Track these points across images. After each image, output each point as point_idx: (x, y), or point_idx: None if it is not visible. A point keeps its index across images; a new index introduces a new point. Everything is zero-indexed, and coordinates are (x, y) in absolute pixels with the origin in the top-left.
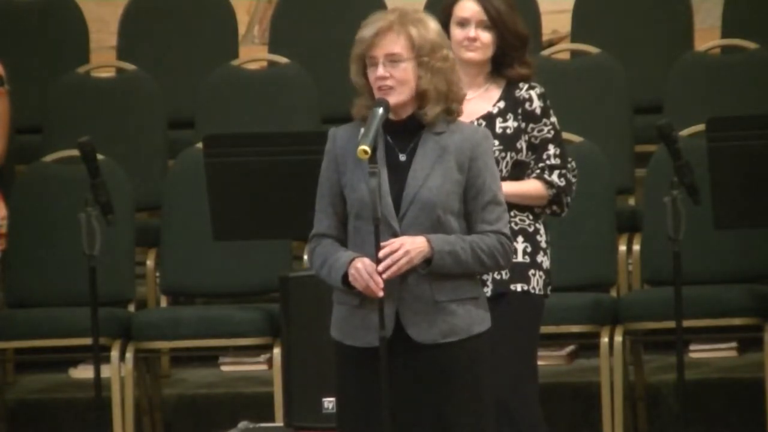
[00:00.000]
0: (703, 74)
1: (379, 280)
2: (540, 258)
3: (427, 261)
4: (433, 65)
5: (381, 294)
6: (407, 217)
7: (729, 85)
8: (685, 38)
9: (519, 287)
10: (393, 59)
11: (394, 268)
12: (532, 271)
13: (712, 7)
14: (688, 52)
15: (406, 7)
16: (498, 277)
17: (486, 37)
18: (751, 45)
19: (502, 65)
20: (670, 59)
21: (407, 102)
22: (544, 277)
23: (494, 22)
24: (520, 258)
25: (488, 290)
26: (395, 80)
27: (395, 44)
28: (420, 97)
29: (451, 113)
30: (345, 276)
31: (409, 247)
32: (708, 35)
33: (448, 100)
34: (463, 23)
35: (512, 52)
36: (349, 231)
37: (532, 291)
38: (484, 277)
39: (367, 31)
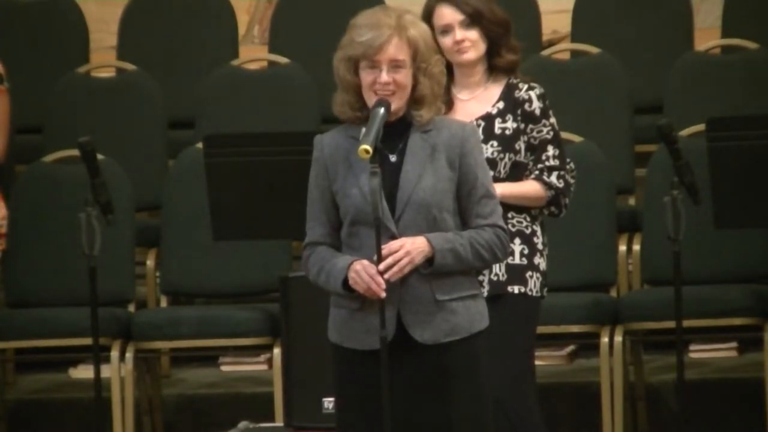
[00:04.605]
0: (703, 74)
1: (381, 280)
2: (537, 260)
3: (429, 261)
4: (431, 71)
5: (383, 295)
6: (403, 219)
7: (729, 85)
8: (685, 38)
9: (516, 289)
10: (396, 65)
11: (395, 269)
12: (529, 273)
13: (712, 7)
14: (688, 52)
15: (396, 8)
16: (495, 279)
17: (472, 34)
18: (751, 45)
19: (491, 56)
20: (670, 59)
21: (401, 105)
22: (540, 278)
23: (473, 18)
24: (517, 260)
25: (485, 291)
26: (396, 85)
27: (400, 51)
28: (416, 100)
29: (437, 113)
30: (345, 280)
31: (409, 247)
32: (708, 35)
33: (438, 102)
34: (446, 30)
35: (498, 40)
36: (343, 237)
37: (529, 293)
38: (481, 278)
39: (367, 36)
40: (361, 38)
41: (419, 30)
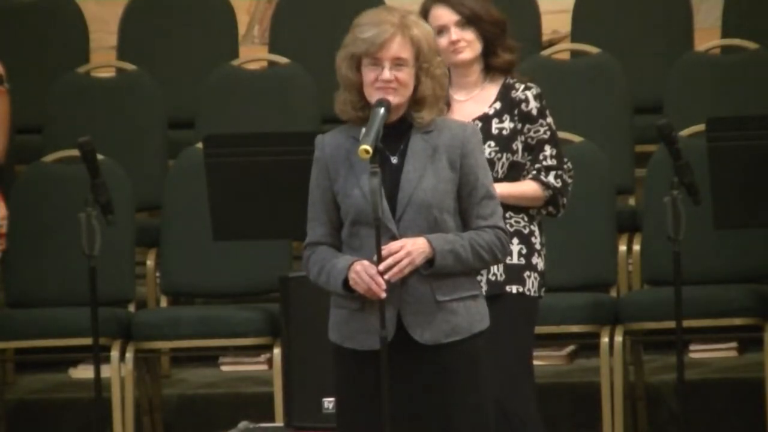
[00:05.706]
0: (703, 74)
1: (381, 281)
2: (535, 260)
3: (429, 262)
4: (433, 71)
5: (383, 295)
6: (404, 220)
7: (729, 85)
8: (685, 38)
9: (514, 289)
10: (399, 63)
11: (395, 269)
12: (527, 273)
13: (712, 7)
14: (688, 52)
15: (399, 8)
16: (493, 279)
17: (468, 35)
18: (751, 45)
19: (487, 56)
20: (670, 59)
21: (402, 104)
22: (538, 278)
23: (469, 18)
24: (515, 260)
25: (483, 291)
26: (398, 83)
27: (403, 49)
28: (417, 101)
29: (439, 114)
30: (345, 281)
31: (410, 248)
32: (708, 35)
33: (440, 104)
34: (442, 30)
35: (495, 40)
36: (344, 237)
37: (527, 293)
38: (479, 278)
39: (370, 32)
40: (364, 35)
41: (422, 30)
